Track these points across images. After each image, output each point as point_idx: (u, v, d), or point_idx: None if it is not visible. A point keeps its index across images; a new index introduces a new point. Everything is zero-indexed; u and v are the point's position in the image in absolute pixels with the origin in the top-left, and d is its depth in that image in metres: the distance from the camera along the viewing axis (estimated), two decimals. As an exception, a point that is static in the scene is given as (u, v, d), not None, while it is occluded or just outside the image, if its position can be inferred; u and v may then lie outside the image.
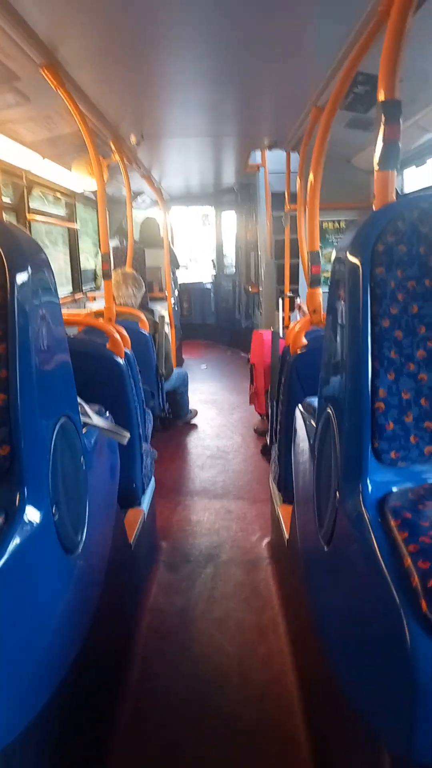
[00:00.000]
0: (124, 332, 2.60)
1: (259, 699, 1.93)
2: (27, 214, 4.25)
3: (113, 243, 6.78)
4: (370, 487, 1.21)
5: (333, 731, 1.51)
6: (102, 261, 2.94)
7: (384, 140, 1.48)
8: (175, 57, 2.50)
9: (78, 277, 5.87)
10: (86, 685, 1.57)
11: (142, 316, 3.70)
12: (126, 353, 2.49)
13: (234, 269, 8.70)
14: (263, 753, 1.74)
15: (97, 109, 3.18)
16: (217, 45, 2.39)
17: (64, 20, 2.07)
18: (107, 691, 1.87)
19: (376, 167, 1.50)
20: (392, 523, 1.09)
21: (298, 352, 2.43)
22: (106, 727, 1.79)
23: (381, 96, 1.51)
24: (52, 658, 1.27)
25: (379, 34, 1.92)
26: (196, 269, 9.99)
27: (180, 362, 7.12)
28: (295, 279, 5.25)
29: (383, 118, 1.48)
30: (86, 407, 1.68)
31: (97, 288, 6.47)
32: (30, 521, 1.17)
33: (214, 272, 9.40)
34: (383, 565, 1.02)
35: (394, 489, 1.22)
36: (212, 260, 9.46)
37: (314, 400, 1.71)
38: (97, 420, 1.72)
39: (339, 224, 5.20)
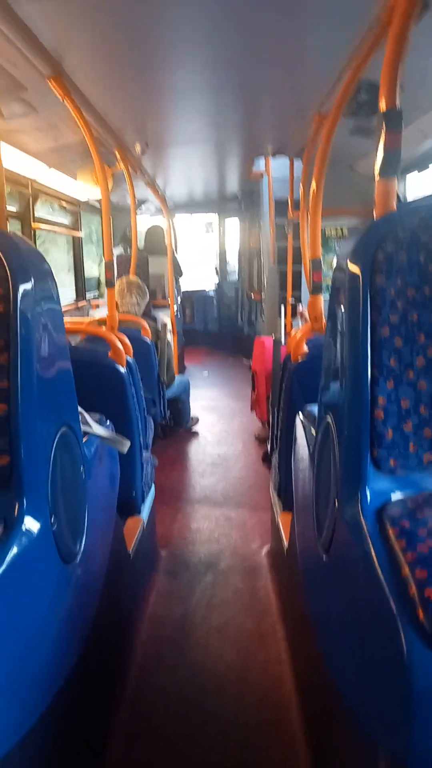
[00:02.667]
0: (126, 340, 2.60)
1: (258, 705, 1.93)
2: (32, 223, 4.27)
3: (117, 251, 6.80)
4: (368, 495, 1.21)
5: (331, 737, 1.50)
6: (105, 269, 2.96)
7: (385, 148, 1.49)
8: (179, 66, 2.52)
9: (81, 285, 5.89)
10: (84, 693, 1.57)
11: (145, 324, 3.71)
12: (128, 362, 2.50)
13: (237, 276, 8.72)
14: (262, 759, 1.74)
15: (102, 119, 3.21)
16: (221, 54, 2.41)
17: (70, 31, 2.09)
18: (106, 698, 1.86)
19: (376, 175, 1.51)
20: (390, 531, 1.09)
21: (299, 359, 2.43)
22: (105, 734, 1.79)
23: (382, 105, 1.52)
24: (50, 667, 1.27)
25: (382, 42, 1.93)
26: (196, 274, 10.00)
27: (182, 369, 7.12)
28: (297, 286, 5.25)
29: (384, 126, 1.49)
30: (87, 416, 1.69)
31: (101, 296, 6.49)
32: (28, 531, 1.17)
33: (216, 279, 9.42)
34: (380, 574, 1.03)
35: (393, 497, 1.22)
36: (215, 267, 9.48)
37: (314, 408, 1.72)
38: (97, 429, 1.72)
39: (342, 230, 5.22)
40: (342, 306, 1.31)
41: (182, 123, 3.63)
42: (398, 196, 1.53)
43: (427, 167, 3.89)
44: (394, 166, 1.50)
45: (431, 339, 1.24)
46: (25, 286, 1.22)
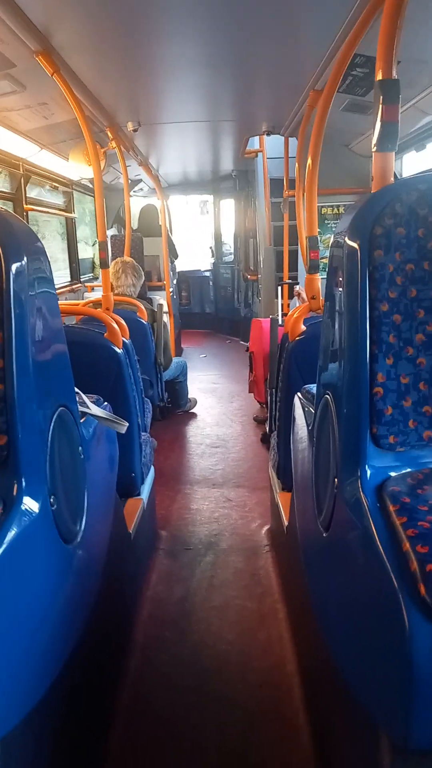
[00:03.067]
0: (122, 322, 2.59)
1: (259, 685, 1.94)
2: (24, 204, 4.22)
3: (111, 232, 6.74)
4: (368, 473, 1.21)
5: (332, 716, 1.52)
6: (99, 249, 2.93)
7: (382, 121, 1.46)
8: (171, 42, 2.47)
9: (76, 267, 5.84)
10: (86, 673, 1.58)
11: (141, 306, 3.68)
12: (124, 343, 2.48)
13: (233, 257, 8.66)
14: (263, 738, 1.75)
15: (93, 96, 3.15)
16: (214, 29, 2.36)
17: (58, 6, 2.05)
18: (107, 679, 1.88)
19: (374, 149, 1.48)
20: (391, 508, 1.09)
21: (297, 339, 2.42)
22: (106, 715, 1.80)
23: (379, 76, 1.49)
24: (51, 648, 1.28)
25: (377, 15, 1.89)
26: (192, 255, 9.94)
27: (179, 351, 7.11)
28: (294, 266, 5.22)
29: (381, 99, 1.46)
30: (84, 397, 1.68)
31: (96, 278, 6.44)
32: (28, 511, 1.17)
33: (212, 260, 9.36)
34: (382, 550, 1.02)
35: (393, 474, 1.21)
36: (210, 248, 9.41)
37: (313, 388, 1.71)
38: (95, 409, 1.71)
39: (338, 210, 5.17)
40: (340, 283, 1.29)
41: (175, 101, 3.58)
42: (395, 175, 1.50)
43: (425, 147, 3.84)
44: (392, 140, 1.47)
45: (430, 315, 1.23)
46: (18, 264, 1.20)
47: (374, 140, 1.48)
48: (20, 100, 3.02)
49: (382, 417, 1.21)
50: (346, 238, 1.25)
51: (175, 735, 1.77)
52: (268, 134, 4.49)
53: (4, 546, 1.06)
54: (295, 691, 1.90)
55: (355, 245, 1.22)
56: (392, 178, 1.46)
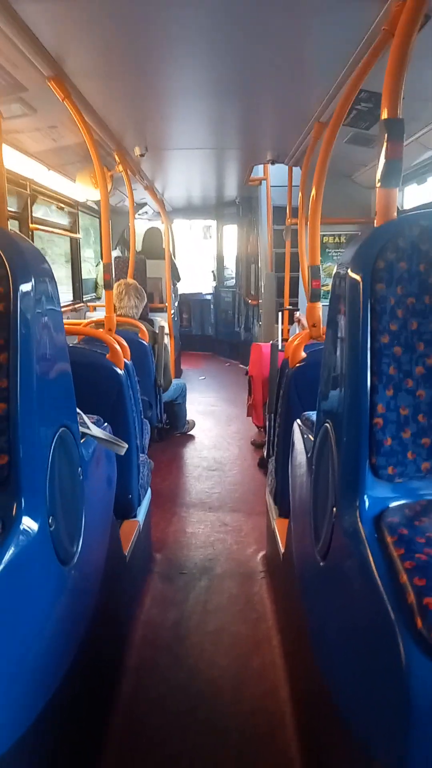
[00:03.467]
0: (124, 343, 2.60)
1: (252, 713, 1.92)
2: (30, 224, 4.27)
3: (115, 253, 6.80)
4: (367, 503, 1.21)
5: (326, 746, 1.50)
6: (104, 271, 2.96)
7: (386, 158, 1.49)
8: (179, 70, 2.52)
9: (79, 287, 5.88)
10: (79, 695, 1.56)
11: (143, 327, 3.70)
12: (126, 364, 2.50)
13: (234, 281, 8.74)
14: (256, 766, 1.73)
15: (102, 121, 3.21)
16: (222, 59, 2.41)
17: (71, 33, 2.10)
18: (100, 702, 1.85)
19: (378, 184, 1.51)
20: (388, 539, 1.09)
21: (297, 365, 2.43)
22: (99, 738, 1.77)
23: (384, 114, 1.52)
24: (44, 669, 1.26)
25: (383, 51, 1.94)
26: (193, 278, 10.02)
27: (179, 373, 7.12)
28: (294, 292, 5.27)
29: (386, 136, 1.49)
30: (84, 417, 1.68)
31: (98, 298, 6.48)
32: (26, 531, 1.16)
33: (214, 283, 9.43)
34: (379, 581, 1.02)
35: (391, 504, 1.22)
36: (212, 271, 9.49)
37: (312, 414, 1.72)
38: (95, 430, 1.72)
39: (339, 239, 5.23)
40: (342, 313, 1.31)
41: (182, 128, 3.64)
42: (397, 209, 1.53)
43: (426, 181, 3.91)
44: (396, 176, 1.51)
45: (431, 348, 1.25)
46: (26, 285, 1.21)
47: (378, 176, 1.51)
48: (30, 123, 3.08)
49: (381, 448, 1.22)
50: (349, 271, 1.27)
51: (168, 760, 1.75)
52: (272, 163, 4.56)
53: (2, 566, 1.05)
54: (288, 719, 1.87)
55: (357, 278, 1.24)
56: (395, 213, 1.49)
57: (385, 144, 1.49)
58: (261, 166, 5.53)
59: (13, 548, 1.11)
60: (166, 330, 4.48)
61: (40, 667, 1.23)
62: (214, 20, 2.01)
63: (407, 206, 4.32)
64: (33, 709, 1.19)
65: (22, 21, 1.93)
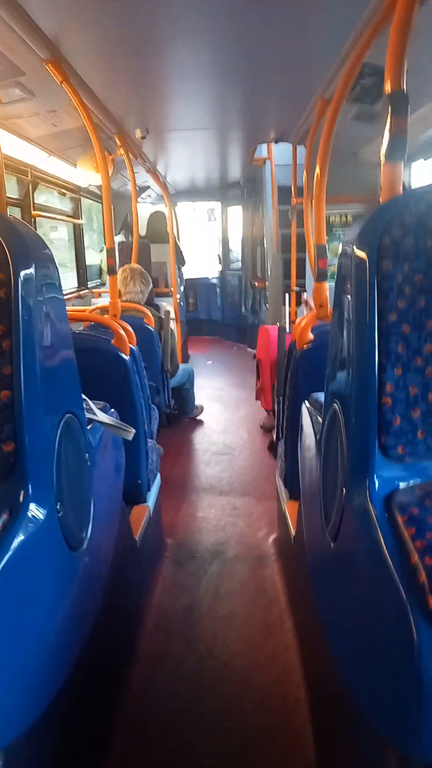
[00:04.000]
0: (129, 328, 2.59)
1: (265, 697, 1.93)
2: (32, 210, 4.25)
3: (119, 238, 6.77)
4: (376, 483, 1.20)
5: (339, 730, 1.50)
6: (107, 256, 2.94)
7: (391, 133, 1.46)
8: (180, 50, 2.48)
9: (83, 273, 5.86)
10: (90, 682, 1.57)
11: (148, 312, 3.69)
12: (131, 349, 2.49)
13: (240, 264, 8.68)
14: (268, 752, 1.73)
15: (101, 104, 3.17)
16: (222, 37, 2.37)
17: (67, 14, 2.06)
18: (111, 689, 1.87)
19: (383, 160, 1.48)
20: (399, 519, 1.08)
21: (305, 347, 2.41)
22: (110, 725, 1.79)
23: (388, 88, 1.49)
24: (56, 656, 1.27)
25: (386, 25, 1.89)
26: (199, 262, 9.97)
27: (185, 358, 7.11)
28: (301, 273, 5.22)
29: (390, 110, 1.46)
30: (91, 404, 1.67)
31: (103, 284, 6.47)
32: (34, 518, 1.16)
33: (220, 267, 9.38)
34: (390, 562, 1.01)
35: (401, 485, 1.20)
36: (218, 255, 9.43)
37: (321, 396, 1.70)
38: (102, 416, 1.71)
39: (345, 217, 5.18)
40: (348, 292, 1.29)
41: (183, 108, 3.59)
42: (404, 184, 1.50)
43: (433, 156, 3.85)
44: (401, 151, 1.47)
45: None
46: (26, 271, 1.20)
47: (383, 151, 1.47)
48: (29, 108, 3.04)
49: (390, 427, 1.20)
50: (355, 248, 1.24)
51: (180, 747, 1.76)
52: (276, 142, 4.50)
53: (10, 552, 1.05)
54: (301, 703, 1.88)
55: (363, 255, 1.22)
56: (401, 189, 1.46)
57: (389, 118, 1.46)
58: (264, 146, 5.45)
59: (21, 535, 1.10)
60: (172, 315, 4.46)
61: (50, 654, 1.24)
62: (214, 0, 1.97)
63: (415, 184, 4.26)
64: (45, 695, 1.20)
65: (17, 3, 1.89)
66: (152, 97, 3.27)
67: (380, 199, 1.44)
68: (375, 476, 1.20)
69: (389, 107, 1.46)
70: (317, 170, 2.57)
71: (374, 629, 1.10)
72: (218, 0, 1.99)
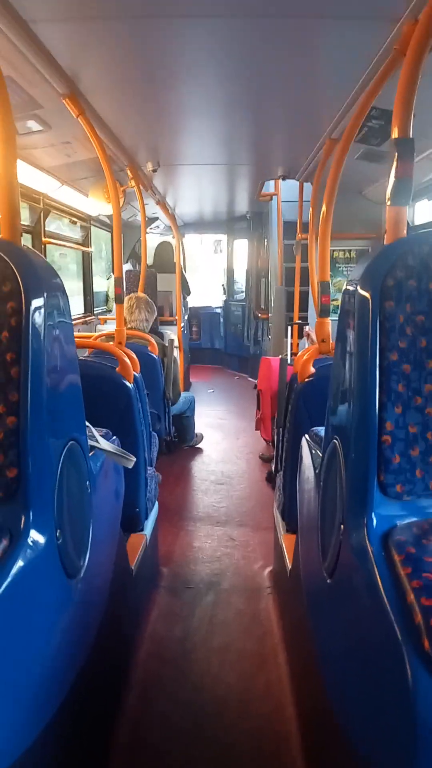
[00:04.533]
0: (134, 356, 2.61)
1: (257, 731, 1.90)
2: (43, 238, 4.32)
3: (126, 267, 6.86)
4: (374, 521, 1.20)
5: (331, 766, 1.48)
6: (115, 285, 2.98)
7: (396, 176, 1.50)
8: (192, 87, 2.56)
9: (90, 300, 5.92)
10: (84, 709, 1.55)
11: (152, 340, 3.72)
12: (135, 377, 2.51)
13: (244, 295, 8.77)
14: None
15: (115, 137, 3.25)
16: (234, 76, 2.44)
17: (86, 52, 2.13)
18: (105, 716, 1.84)
19: (388, 202, 1.52)
20: (396, 557, 1.09)
21: (306, 380, 2.43)
22: (103, 752, 1.76)
23: (395, 133, 1.53)
24: (50, 682, 1.26)
25: (395, 70, 1.95)
26: (203, 291, 10.06)
27: (187, 386, 7.13)
28: (304, 306, 5.27)
29: (396, 155, 1.50)
30: (93, 430, 1.69)
31: (109, 310, 6.53)
32: (34, 544, 1.17)
33: (224, 297, 9.47)
34: (386, 600, 1.02)
35: (399, 523, 1.21)
36: (222, 285, 9.53)
37: (321, 430, 1.71)
38: (103, 443, 1.73)
39: (349, 254, 5.24)
40: (351, 329, 1.31)
41: (194, 143, 3.68)
42: (408, 224, 1.54)
43: (437, 196, 3.92)
44: (406, 195, 1.51)
45: None
46: (38, 301, 1.23)
47: (388, 194, 1.52)
48: (45, 139, 3.12)
49: (389, 465, 1.22)
50: (359, 288, 1.27)
51: None
52: (283, 179, 4.59)
53: (9, 579, 1.06)
54: (293, 737, 1.85)
55: (366, 295, 1.25)
56: (405, 231, 1.49)
57: (395, 162, 1.50)
58: (272, 182, 5.56)
59: (20, 561, 1.11)
60: (176, 343, 4.49)
61: (46, 679, 1.23)
62: (225, 39, 2.04)
63: (418, 221, 4.33)
64: (39, 721, 1.19)
65: (40, 41, 1.97)
66: (164, 131, 3.35)
67: (384, 240, 1.48)
68: (373, 514, 1.21)
69: (396, 152, 1.51)
70: (323, 208, 2.63)
71: (369, 667, 1.10)
72: (231, 40, 2.06)
